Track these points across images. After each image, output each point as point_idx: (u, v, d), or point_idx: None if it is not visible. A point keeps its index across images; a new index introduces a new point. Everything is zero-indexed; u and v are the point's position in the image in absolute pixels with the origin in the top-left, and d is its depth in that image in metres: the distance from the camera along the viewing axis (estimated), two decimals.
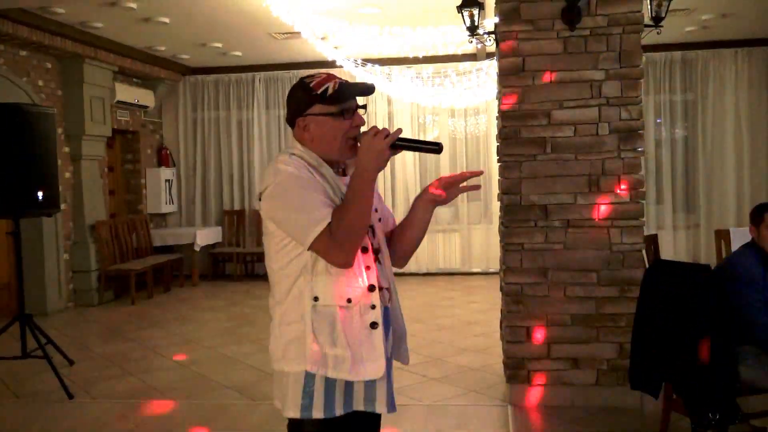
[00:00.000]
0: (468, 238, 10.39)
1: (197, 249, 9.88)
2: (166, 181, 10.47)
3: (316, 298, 1.98)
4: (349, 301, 2.00)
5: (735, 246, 5.65)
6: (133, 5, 6.71)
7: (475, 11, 5.14)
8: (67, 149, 8.44)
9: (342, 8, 6.91)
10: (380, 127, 2.00)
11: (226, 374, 5.50)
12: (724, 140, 9.71)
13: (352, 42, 7.56)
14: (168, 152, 10.76)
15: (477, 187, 2.20)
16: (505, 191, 4.58)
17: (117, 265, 8.91)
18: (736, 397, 3.37)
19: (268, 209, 2.00)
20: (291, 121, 2.10)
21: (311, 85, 2.06)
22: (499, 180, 4.89)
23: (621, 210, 4.46)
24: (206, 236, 10.10)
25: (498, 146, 4.81)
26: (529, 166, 4.53)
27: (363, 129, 2.08)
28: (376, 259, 2.09)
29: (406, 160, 10.27)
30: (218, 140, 10.72)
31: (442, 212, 10.66)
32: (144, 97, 9.95)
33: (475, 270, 10.32)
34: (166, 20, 7.34)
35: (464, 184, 2.14)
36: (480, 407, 4.66)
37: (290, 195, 1.94)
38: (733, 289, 3.51)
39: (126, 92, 9.45)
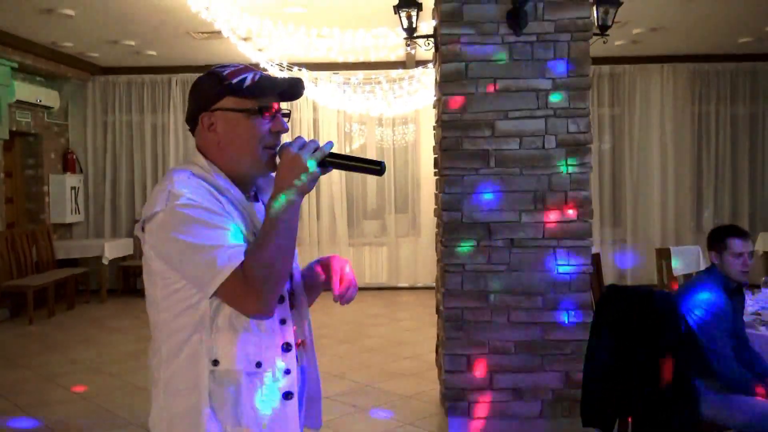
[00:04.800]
0: (395, 251, 10.04)
1: (106, 262, 9.13)
2: (72, 188, 9.66)
3: (215, 362, 1.53)
4: (258, 365, 1.55)
5: (676, 265, 5.52)
6: None
7: (413, 12, 4.78)
8: None
9: (265, 6, 6.45)
10: (306, 138, 1.57)
11: (132, 408, 4.91)
12: (650, 156, 9.73)
13: (278, 44, 7.09)
14: (75, 157, 9.96)
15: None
16: (445, 207, 4.22)
17: (14, 280, 8.09)
18: None
19: (156, 243, 1.52)
20: (193, 118, 1.63)
21: (224, 73, 1.60)
22: (436, 195, 4.55)
23: (567, 229, 4.17)
24: (116, 248, 9.36)
25: (436, 158, 4.47)
26: (471, 180, 4.19)
27: (285, 139, 1.64)
28: (293, 307, 1.66)
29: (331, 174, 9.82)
30: (130, 145, 10.00)
31: (369, 225, 10.29)
32: (48, 96, 9.16)
33: (402, 285, 9.97)
34: (71, 12, 6.67)
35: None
36: None
37: (189, 225, 1.47)
38: (696, 319, 3.25)
39: (27, 91, 8.65)
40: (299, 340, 1.67)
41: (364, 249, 10.04)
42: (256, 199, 1.68)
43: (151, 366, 1.62)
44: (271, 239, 1.48)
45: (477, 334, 4.18)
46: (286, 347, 1.60)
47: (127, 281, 9.91)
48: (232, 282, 1.45)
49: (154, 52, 8.77)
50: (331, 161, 1.58)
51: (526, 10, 4.12)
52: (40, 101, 8.93)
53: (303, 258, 1.73)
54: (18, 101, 8.42)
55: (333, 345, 6.77)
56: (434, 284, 6.15)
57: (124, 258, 9.73)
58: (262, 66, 7.26)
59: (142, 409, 4.88)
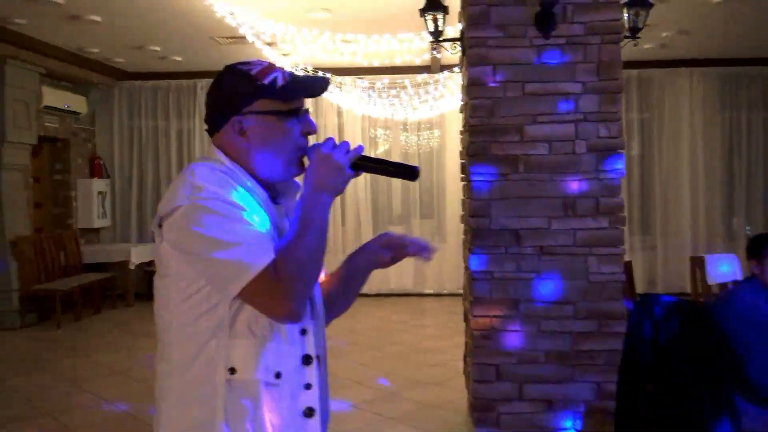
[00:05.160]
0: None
1: (132, 267, 9.19)
2: (99, 193, 9.73)
3: (232, 370, 1.43)
4: (278, 376, 1.45)
5: (711, 273, 5.38)
6: (60, 0, 6.08)
7: (440, 15, 4.71)
8: None
9: (290, 11, 6.42)
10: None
11: None
12: (680, 162, 9.54)
13: (302, 49, 7.07)
14: (101, 162, 10.04)
15: (428, 258, 1.73)
16: (472, 214, 4.14)
17: (42, 285, 8.14)
18: None
19: (176, 239, 1.42)
20: (218, 121, 1.53)
21: (253, 72, 1.51)
22: (464, 201, 4.47)
23: (599, 236, 4.07)
24: (142, 253, 9.40)
25: (464, 164, 4.39)
26: (499, 186, 4.10)
27: (312, 141, 1.58)
28: (313, 317, 1.56)
29: (357, 180, 9.79)
30: (156, 151, 10.05)
31: (394, 231, 10.19)
32: (75, 102, 9.23)
33: (427, 291, 9.87)
34: (98, 19, 6.71)
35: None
36: None
37: (213, 220, 1.38)
38: (736, 331, 3.14)
39: (55, 97, 8.72)
40: (317, 354, 1.56)
41: None
42: (275, 202, 1.59)
43: (161, 374, 1.51)
44: (305, 238, 1.41)
45: (506, 343, 4.09)
46: (306, 360, 1.50)
47: (153, 286, 9.92)
48: (260, 281, 1.36)
49: (179, 58, 8.80)
50: (363, 164, 1.52)
51: (554, 13, 4.03)
52: (68, 107, 9.00)
53: (328, 264, 1.64)
54: (46, 107, 8.50)
55: (358, 351, 6.71)
56: (460, 291, 6.07)
57: (150, 263, 9.75)
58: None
59: None
